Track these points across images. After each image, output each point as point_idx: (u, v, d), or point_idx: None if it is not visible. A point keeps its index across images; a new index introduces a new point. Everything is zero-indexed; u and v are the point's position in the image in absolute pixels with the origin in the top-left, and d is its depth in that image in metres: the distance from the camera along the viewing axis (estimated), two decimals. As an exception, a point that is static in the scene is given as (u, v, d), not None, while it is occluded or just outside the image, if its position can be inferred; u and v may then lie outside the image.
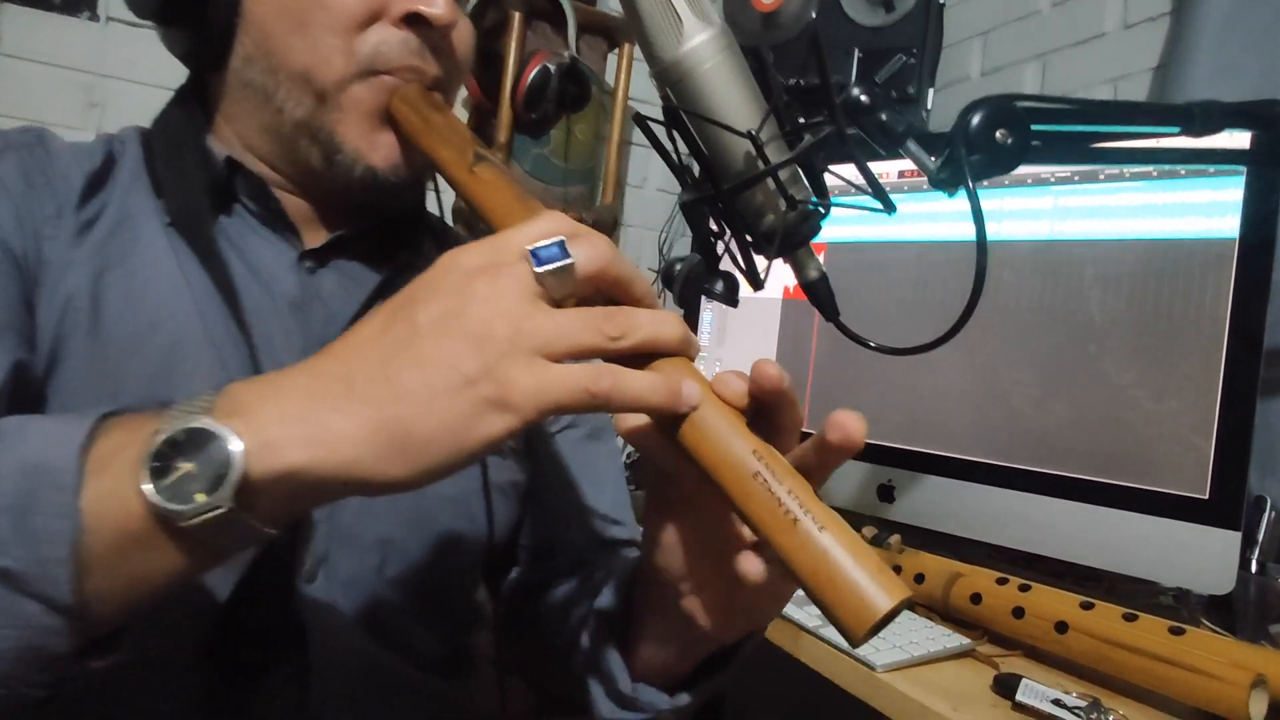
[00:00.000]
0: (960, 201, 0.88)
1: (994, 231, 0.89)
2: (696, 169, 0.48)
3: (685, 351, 0.35)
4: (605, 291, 0.35)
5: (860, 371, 0.93)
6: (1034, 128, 0.50)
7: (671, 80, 0.44)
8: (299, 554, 0.47)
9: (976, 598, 0.70)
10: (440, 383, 0.30)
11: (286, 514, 0.31)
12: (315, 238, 0.55)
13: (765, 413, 0.35)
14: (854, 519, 0.91)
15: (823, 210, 0.46)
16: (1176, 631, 0.60)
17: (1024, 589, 0.69)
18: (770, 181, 0.45)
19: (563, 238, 0.33)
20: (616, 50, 1.21)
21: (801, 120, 0.45)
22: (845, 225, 0.96)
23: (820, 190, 0.48)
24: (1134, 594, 0.83)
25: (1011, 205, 0.83)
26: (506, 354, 0.30)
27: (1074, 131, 0.51)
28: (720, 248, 0.49)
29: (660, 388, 0.32)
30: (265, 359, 0.48)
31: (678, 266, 0.48)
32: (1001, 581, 0.71)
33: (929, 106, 1.25)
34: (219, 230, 0.51)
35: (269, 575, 0.45)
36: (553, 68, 1.07)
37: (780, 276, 1.02)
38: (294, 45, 0.48)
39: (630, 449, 1.40)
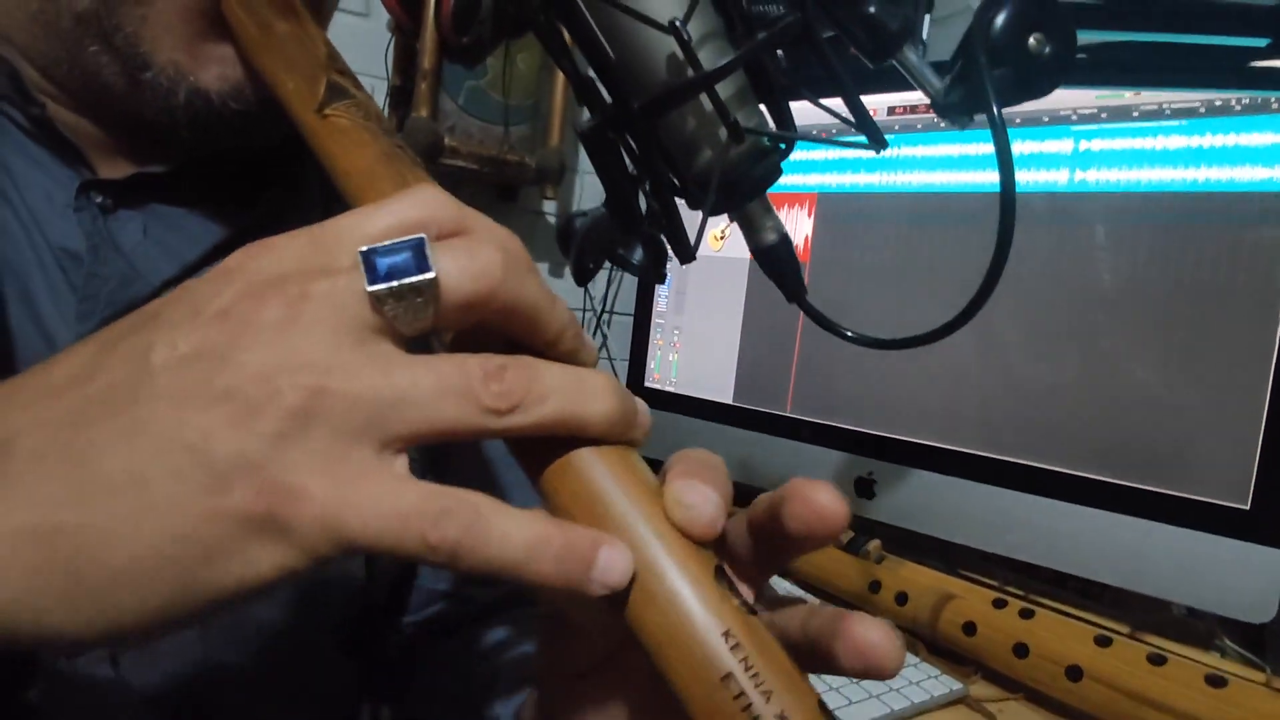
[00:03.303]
0: (967, 144, 0.74)
1: (998, 181, 0.76)
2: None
3: (623, 436, 0.21)
4: (498, 327, 0.21)
5: (849, 347, 0.80)
6: (1081, 35, 0.36)
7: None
8: None
9: (970, 628, 0.58)
10: (163, 475, 0.17)
11: None
12: (114, 169, 0.39)
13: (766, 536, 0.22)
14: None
15: (783, 146, 0.32)
16: (1215, 682, 0.49)
17: (1026, 615, 0.58)
18: (704, 100, 0.30)
19: (423, 236, 0.19)
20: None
21: (750, 9, 0.31)
22: (839, 173, 0.81)
23: (782, 117, 0.34)
24: (1145, 607, 0.72)
25: (1023, 149, 0.69)
26: (292, 435, 0.17)
27: (1134, 41, 0.37)
28: (644, 201, 0.35)
29: (553, 550, 0.18)
30: (19, 336, 0.34)
31: (578, 221, 0.34)
32: (999, 604, 0.60)
33: (924, 38, 1.09)
34: None
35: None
36: (485, -20, 0.90)
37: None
38: None
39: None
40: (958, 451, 0.71)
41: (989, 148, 0.72)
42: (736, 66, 0.29)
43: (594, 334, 1.27)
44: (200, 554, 0.17)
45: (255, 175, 0.41)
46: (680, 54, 0.30)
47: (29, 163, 0.36)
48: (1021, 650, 0.55)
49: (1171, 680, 0.49)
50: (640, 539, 0.20)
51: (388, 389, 0.18)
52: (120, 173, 0.38)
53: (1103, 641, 0.53)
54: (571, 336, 0.22)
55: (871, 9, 0.33)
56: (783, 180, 1.01)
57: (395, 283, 0.18)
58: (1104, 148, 0.65)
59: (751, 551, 0.23)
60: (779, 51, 0.36)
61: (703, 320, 0.91)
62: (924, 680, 0.54)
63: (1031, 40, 0.34)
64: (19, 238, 0.35)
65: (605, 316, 1.27)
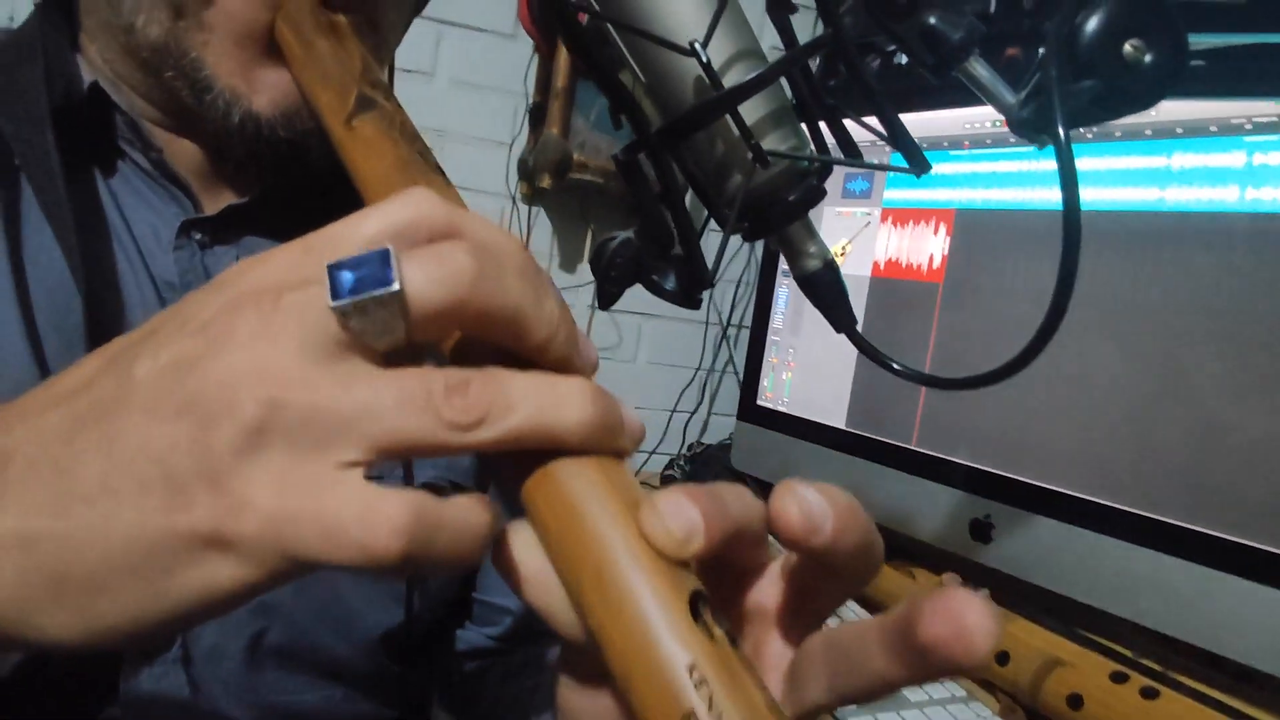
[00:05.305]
0: (1125, 157, 0.66)
1: (1158, 196, 0.67)
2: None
3: (605, 445, 0.20)
4: (484, 337, 0.20)
5: (979, 369, 0.73)
6: (1194, 37, 0.31)
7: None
8: None
9: (1076, 700, 0.52)
10: (131, 486, 0.18)
11: None
12: (217, 201, 0.42)
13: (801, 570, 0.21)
14: (936, 558, 0.73)
15: (814, 168, 0.31)
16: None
17: (1149, 694, 0.51)
18: (731, 123, 0.29)
19: (388, 248, 0.18)
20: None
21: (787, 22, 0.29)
22: (982, 188, 0.75)
23: (840, 140, 0.32)
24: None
25: (1184, 162, 0.60)
26: (248, 449, 0.18)
27: (1261, 44, 0.32)
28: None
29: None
30: None
31: (613, 242, 0.34)
32: (1119, 678, 0.53)
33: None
34: (105, 194, 0.40)
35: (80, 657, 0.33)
36: None
37: (869, 248, 0.84)
38: None
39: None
40: (1090, 501, 0.64)
41: (1146, 161, 0.64)
42: (756, 88, 0.28)
43: (718, 348, 1.26)
44: (162, 565, 0.18)
45: (339, 208, 0.43)
46: (704, 76, 0.29)
47: (140, 202, 0.40)
48: (1134, 735, 0.48)
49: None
50: (612, 556, 0.19)
51: (347, 403, 0.18)
52: (222, 204, 0.41)
53: (1240, 739, 0.46)
54: (562, 342, 0.20)
55: (931, 20, 0.30)
56: (916, 195, 0.95)
57: (357, 297, 0.18)
58: (1284, 162, 0.56)
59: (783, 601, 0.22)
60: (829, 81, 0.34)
61: (818, 339, 0.88)
62: (1012, 753, 0.49)
63: (1128, 47, 0.30)
64: (127, 275, 0.39)
65: (731, 330, 1.26)
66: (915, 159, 0.29)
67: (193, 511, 0.18)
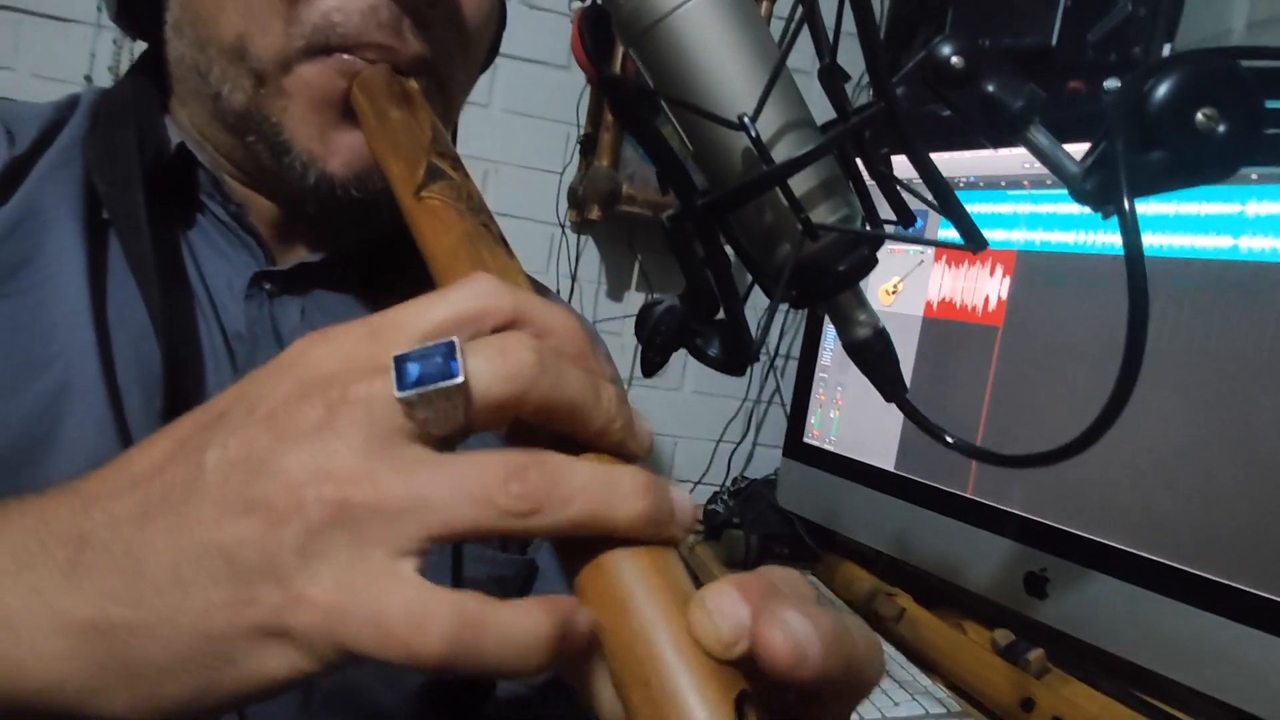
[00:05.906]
0: (1197, 203, 0.63)
1: (1232, 244, 0.64)
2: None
3: (656, 536, 0.20)
4: (543, 425, 0.21)
5: (1041, 421, 0.70)
6: (1271, 104, 0.30)
7: (633, 35, 0.29)
8: None
9: (1137, 779, 0.49)
10: (201, 578, 0.19)
11: None
12: (290, 256, 0.44)
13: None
14: (989, 611, 0.70)
15: (863, 238, 0.30)
16: None
17: (1218, 776, 0.48)
18: (780, 194, 0.29)
19: (453, 341, 0.19)
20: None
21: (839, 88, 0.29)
22: (1044, 229, 0.73)
23: (897, 207, 0.31)
24: None
25: (1259, 210, 0.58)
26: (314, 548, 0.18)
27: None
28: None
29: (553, 646, 0.19)
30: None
31: (658, 309, 0.34)
32: (1184, 755, 0.50)
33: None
34: (184, 246, 0.42)
35: None
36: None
37: (922, 287, 0.82)
38: (224, 7, 0.38)
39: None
40: (1153, 560, 0.61)
41: (1219, 208, 0.62)
42: (806, 163, 0.27)
43: (765, 378, 1.25)
44: (226, 656, 0.19)
45: (405, 264, 0.43)
46: (753, 148, 0.29)
47: (215, 254, 0.41)
48: (1200, 821, 0.45)
49: None
50: (658, 653, 0.19)
51: (407, 495, 0.19)
52: (294, 258, 0.43)
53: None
54: (619, 428, 0.21)
55: (990, 88, 0.30)
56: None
57: (423, 389, 0.19)
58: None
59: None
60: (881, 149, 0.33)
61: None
62: (1067, 832, 0.47)
63: (1200, 117, 0.29)
64: (200, 326, 0.40)
65: (779, 361, 1.24)
66: (972, 236, 0.28)
67: (256, 606, 0.19)
